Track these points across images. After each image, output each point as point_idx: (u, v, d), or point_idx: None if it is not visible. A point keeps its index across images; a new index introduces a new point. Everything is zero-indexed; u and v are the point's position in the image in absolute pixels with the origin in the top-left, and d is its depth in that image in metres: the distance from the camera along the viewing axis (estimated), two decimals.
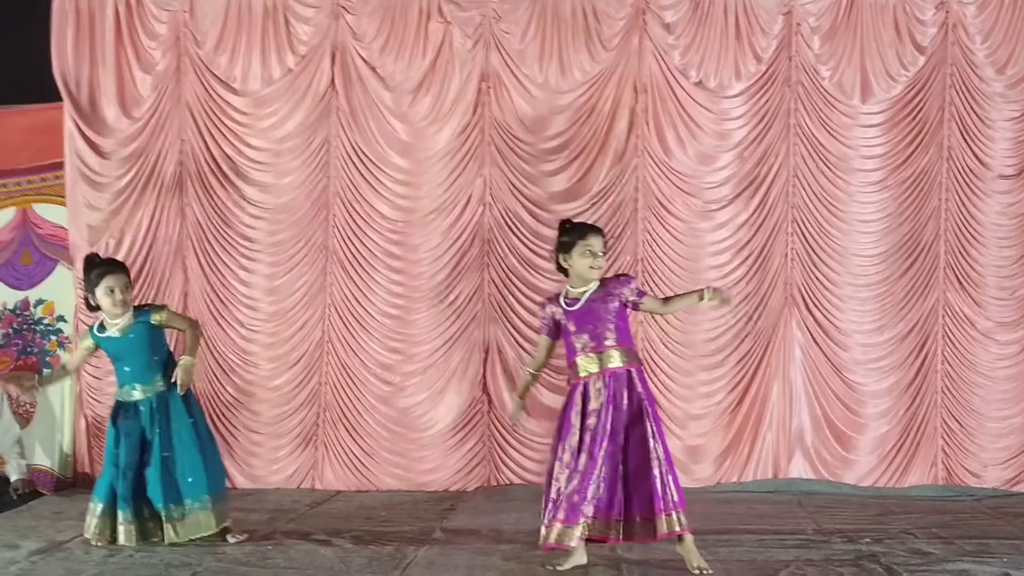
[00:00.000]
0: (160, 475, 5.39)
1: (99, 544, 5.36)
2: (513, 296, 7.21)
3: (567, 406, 5.02)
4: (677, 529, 4.82)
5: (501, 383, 7.22)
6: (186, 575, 4.88)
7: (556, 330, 5.09)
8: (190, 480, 5.43)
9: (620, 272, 5.18)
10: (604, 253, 5.03)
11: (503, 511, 6.45)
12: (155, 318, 5.49)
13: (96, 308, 5.49)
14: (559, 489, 4.91)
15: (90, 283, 5.45)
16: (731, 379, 7.20)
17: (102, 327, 5.49)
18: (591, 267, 4.96)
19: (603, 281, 5.03)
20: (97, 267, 5.48)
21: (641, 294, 5.05)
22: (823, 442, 7.20)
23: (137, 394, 5.47)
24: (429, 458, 7.26)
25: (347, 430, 7.26)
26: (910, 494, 7.02)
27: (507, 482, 7.23)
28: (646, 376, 5.15)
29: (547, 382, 7.12)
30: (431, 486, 7.19)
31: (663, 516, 4.80)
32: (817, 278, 7.19)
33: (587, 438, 4.88)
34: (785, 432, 7.19)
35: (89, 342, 5.55)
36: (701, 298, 5.07)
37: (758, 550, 5.36)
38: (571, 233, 5.04)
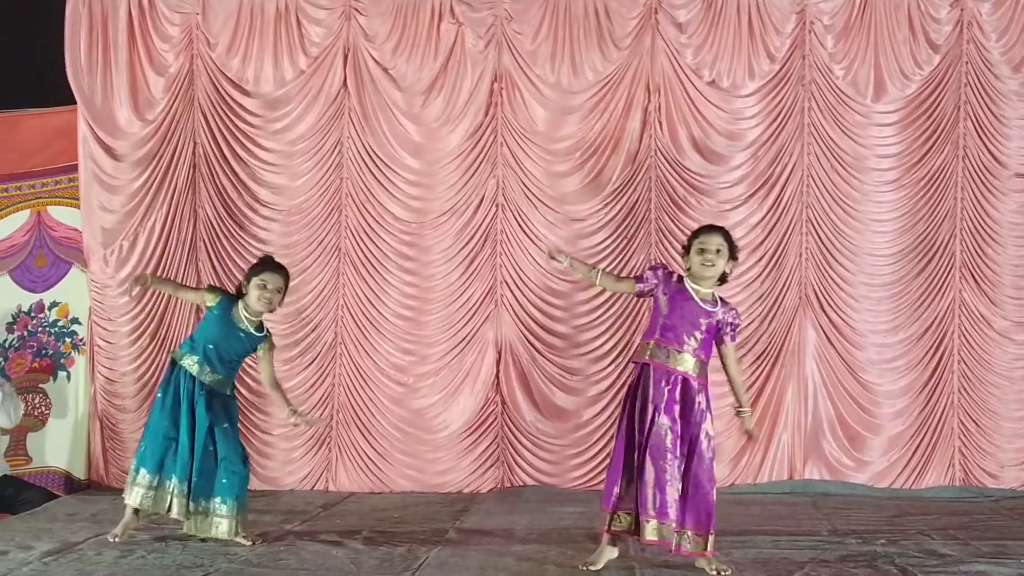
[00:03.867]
0: (200, 466, 5.41)
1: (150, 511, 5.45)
2: (526, 297, 7.20)
3: (629, 397, 4.98)
4: (713, 548, 4.86)
5: (514, 384, 7.20)
6: None
7: (646, 295, 5.08)
8: (224, 481, 5.44)
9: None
10: (719, 253, 4.92)
11: (516, 512, 6.44)
12: (265, 347, 5.58)
13: (241, 297, 5.49)
14: (619, 480, 4.88)
15: (251, 272, 5.51)
16: (745, 379, 7.10)
17: (234, 307, 5.49)
18: (702, 264, 4.94)
19: (722, 299, 5.01)
20: (265, 262, 5.60)
21: (732, 339, 5.02)
22: (838, 443, 7.16)
23: (196, 369, 5.45)
24: (442, 460, 7.25)
25: (360, 432, 7.26)
26: (926, 495, 6.98)
27: (521, 484, 7.21)
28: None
29: (560, 383, 7.13)
30: (444, 488, 7.17)
31: (712, 535, 4.83)
32: (831, 278, 7.15)
33: (646, 431, 4.81)
34: (800, 433, 7.15)
35: (211, 300, 5.50)
36: (741, 407, 5.12)
37: (772, 551, 5.34)
38: (693, 235, 5.09)
